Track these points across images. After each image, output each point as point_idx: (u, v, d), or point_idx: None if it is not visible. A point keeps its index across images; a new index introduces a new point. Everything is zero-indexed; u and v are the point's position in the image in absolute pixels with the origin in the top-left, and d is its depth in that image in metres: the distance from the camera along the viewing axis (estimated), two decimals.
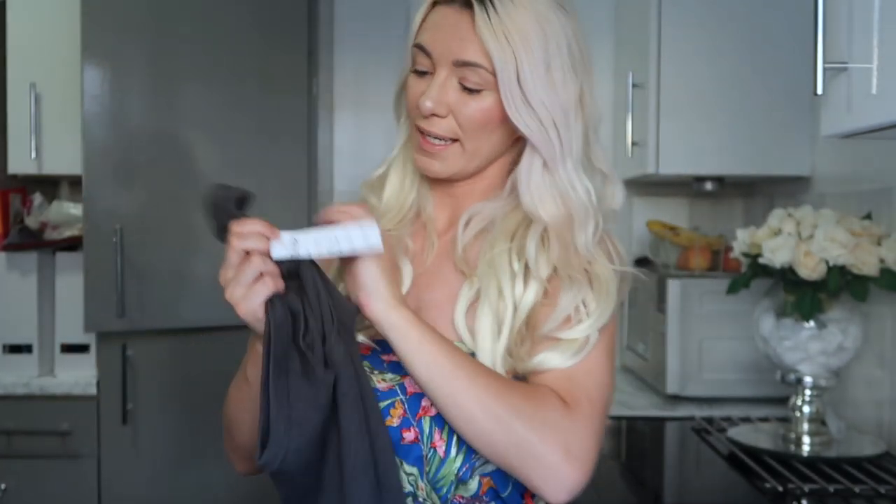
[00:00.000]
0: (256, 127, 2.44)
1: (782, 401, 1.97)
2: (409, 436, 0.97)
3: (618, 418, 2.17)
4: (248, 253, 0.88)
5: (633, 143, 2.40)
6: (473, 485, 0.96)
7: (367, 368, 1.01)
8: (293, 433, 0.88)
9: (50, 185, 2.86)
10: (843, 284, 1.72)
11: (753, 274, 1.85)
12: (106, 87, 2.29)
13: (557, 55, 0.98)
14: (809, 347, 1.79)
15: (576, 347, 0.97)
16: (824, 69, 1.11)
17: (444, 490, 0.96)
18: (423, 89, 1.00)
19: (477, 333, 0.98)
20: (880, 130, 1.11)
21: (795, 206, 1.84)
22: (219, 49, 2.40)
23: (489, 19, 0.95)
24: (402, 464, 0.97)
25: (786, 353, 1.82)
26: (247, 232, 0.89)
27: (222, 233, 0.91)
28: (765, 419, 2.07)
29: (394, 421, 0.98)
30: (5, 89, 2.55)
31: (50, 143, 2.56)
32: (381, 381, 1.00)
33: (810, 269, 1.70)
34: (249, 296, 0.88)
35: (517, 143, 1.04)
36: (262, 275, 0.88)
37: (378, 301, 0.92)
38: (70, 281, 2.49)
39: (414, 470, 0.97)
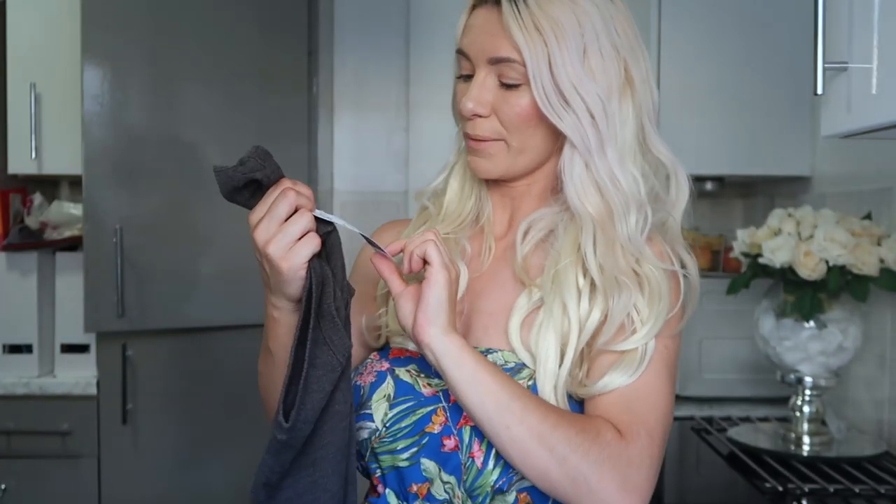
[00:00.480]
0: (256, 127, 2.44)
1: (782, 401, 1.97)
2: (449, 443, 0.96)
3: None
4: (295, 210, 0.88)
5: None
6: (510, 498, 0.95)
7: (414, 371, 1.01)
8: (306, 400, 0.87)
9: (50, 185, 2.86)
10: (843, 284, 1.72)
11: (753, 274, 1.85)
12: (106, 87, 2.29)
13: (594, 40, 0.95)
14: (809, 347, 1.79)
15: (635, 361, 0.94)
16: (824, 69, 1.11)
17: (480, 500, 0.95)
18: (464, 94, 1.00)
19: (539, 354, 0.96)
20: (880, 130, 1.11)
21: (795, 206, 1.84)
22: (219, 49, 2.40)
23: (518, 13, 0.94)
24: (440, 471, 0.96)
25: (786, 353, 1.82)
26: (298, 190, 0.88)
27: (246, 187, 0.89)
28: (765, 419, 2.07)
29: (434, 428, 0.96)
30: (5, 89, 2.55)
31: (50, 143, 2.56)
32: (427, 386, 0.99)
33: (810, 269, 1.70)
34: (296, 250, 0.87)
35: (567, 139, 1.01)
36: (307, 231, 0.88)
37: (435, 326, 0.90)
38: (70, 281, 2.49)
39: (451, 479, 0.96)
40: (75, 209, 2.56)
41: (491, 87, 0.98)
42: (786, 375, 1.85)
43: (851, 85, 1.10)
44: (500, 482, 0.94)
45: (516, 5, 0.94)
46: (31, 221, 2.57)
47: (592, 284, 0.97)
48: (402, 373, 1.00)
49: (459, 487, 0.96)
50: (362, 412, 0.99)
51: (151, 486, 2.43)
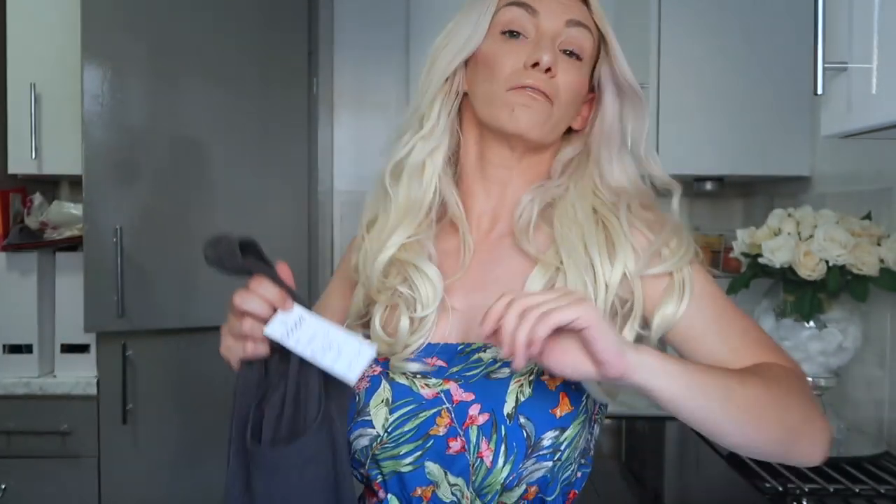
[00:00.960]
0: (257, 126, 2.44)
1: None
2: (455, 445, 0.94)
3: (618, 418, 2.16)
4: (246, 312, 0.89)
5: None
6: (519, 492, 0.94)
7: (409, 373, 0.99)
8: None
9: (50, 185, 2.86)
10: (843, 284, 1.72)
11: (753, 274, 1.85)
12: (106, 87, 2.29)
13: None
14: (809, 347, 1.79)
15: (675, 291, 0.96)
16: (824, 69, 1.11)
17: (489, 497, 0.94)
18: (518, 51, 1.00)
19: None
20: (880, 130, 1.11)
21: (795, 206, 1.84)
22: (219, 49, 2.40)
23: None
24: (446, 474, 0.94)
25: None
26: (254, 294, 0.89)
27: (237, 270, 0.91)
28: None
29: (439, 430, 0.94)
30: (5, 89, 2.55)
31: (50, 143, 2.56)
32: (425, 387, 0.97)
33: (810, 269, 1.70)
34: (231, 347, 0.92)
35: (568, 133, 1.09)
36: (246, 337, 0.89)
37: (620, 354, 0.81)
38: (70, 281, 2.49)
39: (459, 480, 0.94)
40: (75, 209, 2.56)
41: (558, 51, 1.02)
42: None
43: (851, 85, 1.11)
44: (510, 478, 0.93)
45: None
46: (31, 221, 2.57)
47: (610, 243, 0.98)
48: (398, 375, 0.98)
49: (468, 488, 0.94)
50: (360, 419, 0.97)
51: (151, 486, 2.43)
